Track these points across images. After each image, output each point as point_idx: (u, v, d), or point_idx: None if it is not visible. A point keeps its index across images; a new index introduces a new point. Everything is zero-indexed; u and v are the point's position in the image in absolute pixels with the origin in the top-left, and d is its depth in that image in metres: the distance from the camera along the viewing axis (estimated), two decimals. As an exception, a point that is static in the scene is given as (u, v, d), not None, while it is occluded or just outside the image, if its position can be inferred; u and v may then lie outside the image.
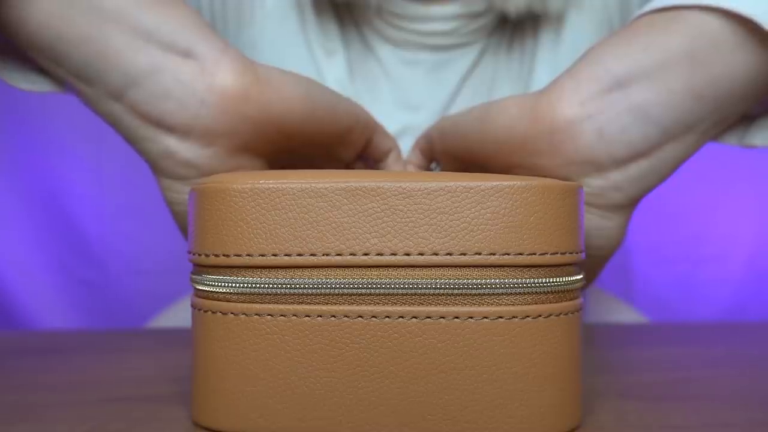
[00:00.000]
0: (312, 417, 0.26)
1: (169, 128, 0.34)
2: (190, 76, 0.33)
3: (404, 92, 0.54)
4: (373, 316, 0.26)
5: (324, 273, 0.26)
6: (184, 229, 0.38)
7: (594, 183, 0.34)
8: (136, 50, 0.33)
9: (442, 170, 0.42)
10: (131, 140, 0.36)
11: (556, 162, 0.34)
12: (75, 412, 0.30)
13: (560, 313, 0.26)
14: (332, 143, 0.38)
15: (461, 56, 0.54)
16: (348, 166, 0.42)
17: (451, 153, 0.39)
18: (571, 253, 0.27)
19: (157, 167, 0.35)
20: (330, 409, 0.26)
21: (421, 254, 0.26)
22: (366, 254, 0.26)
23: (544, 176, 0.34)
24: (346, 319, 0.26)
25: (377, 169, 0.42)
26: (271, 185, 0.26)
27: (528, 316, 0.26)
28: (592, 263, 0.37)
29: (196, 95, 0.33)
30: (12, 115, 0.95)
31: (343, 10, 0.54)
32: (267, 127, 0.34)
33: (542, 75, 0.52)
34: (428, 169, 0.43)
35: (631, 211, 0.36)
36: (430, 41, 0.53)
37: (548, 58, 0.53)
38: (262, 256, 0.26)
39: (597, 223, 0.35)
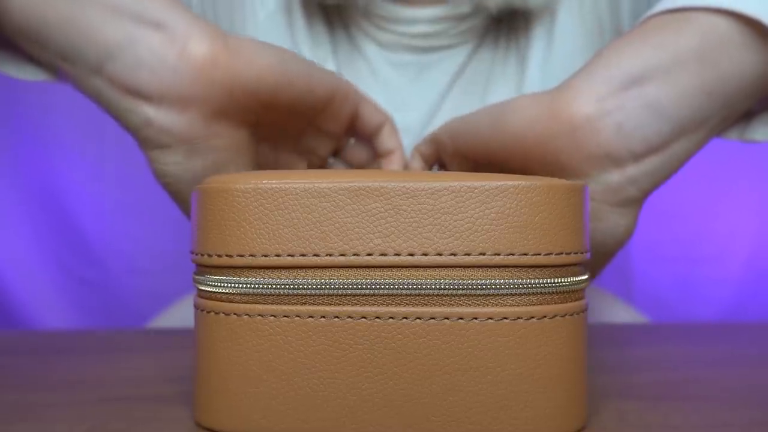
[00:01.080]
0: (315, 418, 0.26)
1: (146, 97, 0.35)
2: (161, 46, 0.35)
3: (393, 93, 0.54)
4: (377, 317, 0.26)
5: (327, 273, 0.26)
6: (177, 201, 0.38)
7: (612, 178, 0.35)
8: (113, 25, 0.35)
9: (452, 171, 0.42)
10: (114, 114, 0.37)
11: (578, 158, 0.35)
12: (75, 412, 0.30)
13: (565, 314, 0.26)
14: (314, 113, 0.39)
15: (449, 57, 0.54)
16: (338, 140, 0.42)
17: (464, 154, 0.40)
18: (576, 253, 0.27)
19: (140, 138, 0.37)
20: (333, 410, 0.26)
21: (425, 254, 0.26)
22: (369, 254, 0.26)
23: (564, 173, 0.35)
24: (349, 319, 0.26)
25: (372, 145, 0.43)
26: (274, 185, 0.26)
27: (533, 317, 0.26)
28: (599, 259, 0.38)
29: (168, 63, 0.34)
30: (11, 113, 0.95)
31: (333, 12, 0.54)
32: (238, 94, 0.35)
33: (534, 75, 0.52)
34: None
35: (641, 205, 0.37)
36: (415, 43, 0.53)
37: (540, 59, 0.53)
38: (265, 256, 0.26)
39: (612, 220, 0.36)
